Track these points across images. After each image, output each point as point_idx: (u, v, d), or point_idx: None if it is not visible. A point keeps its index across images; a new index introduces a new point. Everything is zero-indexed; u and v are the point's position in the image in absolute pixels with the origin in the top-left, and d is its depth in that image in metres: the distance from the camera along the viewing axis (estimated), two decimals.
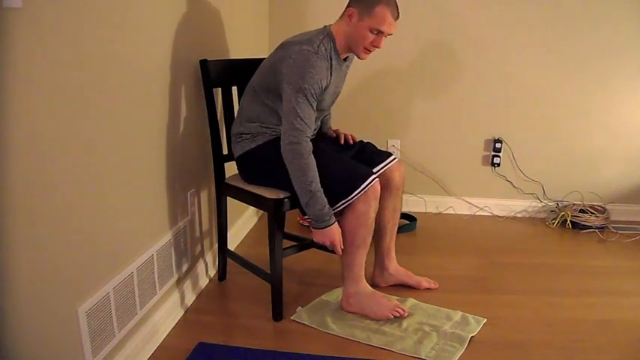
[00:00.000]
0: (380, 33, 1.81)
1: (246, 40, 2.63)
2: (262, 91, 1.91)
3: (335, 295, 2.09)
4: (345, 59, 1.96)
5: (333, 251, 1.88)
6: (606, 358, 1.74)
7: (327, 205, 1.79)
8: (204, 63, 2.01)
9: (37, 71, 1.15)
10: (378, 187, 1.85)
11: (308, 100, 1.77)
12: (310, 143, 1.79)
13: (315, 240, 1.87)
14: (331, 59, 1.85)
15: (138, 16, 1.58)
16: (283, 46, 1.88)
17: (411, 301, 2.04)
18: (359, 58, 1.92)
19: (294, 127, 1.76)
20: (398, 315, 1.90)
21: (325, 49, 1.83)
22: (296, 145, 1.76)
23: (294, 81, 1.75)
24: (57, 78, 1.22)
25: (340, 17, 1.89)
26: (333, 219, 1.82)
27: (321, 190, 1.78)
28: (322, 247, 1.92)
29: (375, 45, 1.84)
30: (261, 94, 1.91)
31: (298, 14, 2.95)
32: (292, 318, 1.94)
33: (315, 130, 2.08)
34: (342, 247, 1.87)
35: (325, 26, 1.90)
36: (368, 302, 1.93)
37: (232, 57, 2.39)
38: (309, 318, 1.94)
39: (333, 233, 1.82)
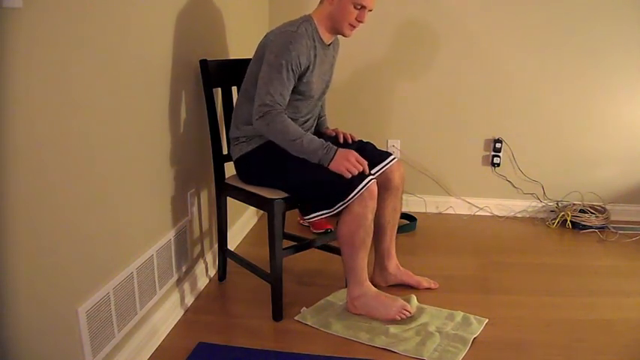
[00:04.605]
0: (362, 7, 1.87)
1: (246, 40, 2.63)
2: (253, 87, 1.91)
3: (340, 297, 2.08)
4: (329, 46, 1.98)
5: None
6: (606, 358, 1.74)
7: (323, 140, 1.83)
8: (204, 63, 2.01)
9: (37, 71, 1.15)
10: (375, 188, 1.84)
11: (282, 75, 1.80)
12: (280, 112, 1.82)
13: (333, 170, 1.79)
14: (314, 40, 1.90)
15: (138, 17, 1.58)
16: (265, 37, 1.94)
17: (414, 301, 2.03)
18: (344, 35, 1.95)
19: (264, 103, 1.81)
20: (405, 317, 1.89)
21: (306, 30, 1.87)
22: (266, 115, 1.80)
23: (271, 58, 1.81)
24: (57, 78, 1.22)
25: (320, 3, 1.95)
26: (335, 147, 1.83)
27: (312, 136, 1.82)
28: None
29: (359, 20, 1.90)
30: (252, 91, 1.91)
31: (298, 14, 2.92)
32: (296, 318, 1.94)
33: (311, 129, 2.08)
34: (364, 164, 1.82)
35: (305, 15, 1.95)
36: (374, 304, 1.92)
37: (232, 57, 2.39)
38: (313, 319, 1.93)
39: (347, 152, 1.81)
